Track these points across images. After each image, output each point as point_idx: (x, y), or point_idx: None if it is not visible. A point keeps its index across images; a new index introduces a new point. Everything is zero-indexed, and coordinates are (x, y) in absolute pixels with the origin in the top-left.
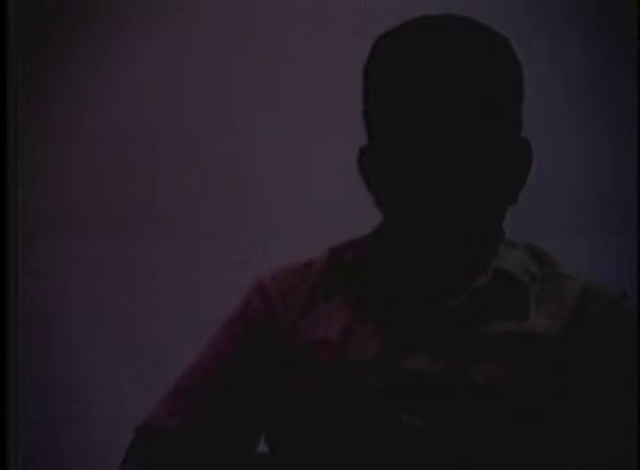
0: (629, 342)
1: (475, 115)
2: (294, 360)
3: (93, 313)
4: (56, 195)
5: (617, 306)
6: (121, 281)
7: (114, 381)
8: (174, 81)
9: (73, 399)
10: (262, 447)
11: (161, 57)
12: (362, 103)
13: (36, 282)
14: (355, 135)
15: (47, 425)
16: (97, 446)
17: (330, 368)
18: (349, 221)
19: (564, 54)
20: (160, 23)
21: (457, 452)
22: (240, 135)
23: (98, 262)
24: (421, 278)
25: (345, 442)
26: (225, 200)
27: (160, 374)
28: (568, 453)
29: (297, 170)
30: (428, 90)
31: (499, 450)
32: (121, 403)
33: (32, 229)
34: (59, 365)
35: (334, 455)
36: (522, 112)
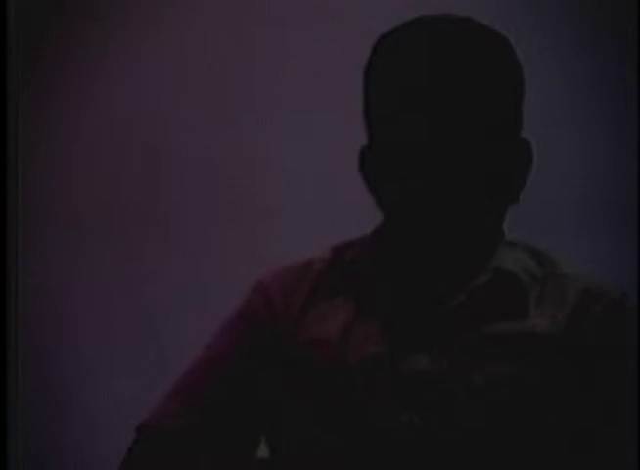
0: (629, 342)
1: (475, 114)
2: (294, 360)
3: (93, 313)
4: (56, 194)
5: (618, 306)
6: (122, 281)
7: (115, 380)
8: (174, 81)
9: (74, 399)
10: (263, 452)
11: (161, 56)
12: (363, 103)
13: (36, 282)
14: (356, 135)
15: (47, 425)
16: (97, 446)
17: (330, 368)
18: (350, 221)
19: (564, 54)
20: (161, 23)
21: (457, 452)
22: (240, 135)
23: (98, 262)
24: (421, 278)
25: (345, 441)
26: (225, 199)
27: (161, 374)
28: (568, 453)
29: (297, 170)
30: (428, 90)
31: (499, 450)
32: (122, 403)
33: (32, 229)
34: (59, 365)
35: (334, 455)
36: (522, 111)
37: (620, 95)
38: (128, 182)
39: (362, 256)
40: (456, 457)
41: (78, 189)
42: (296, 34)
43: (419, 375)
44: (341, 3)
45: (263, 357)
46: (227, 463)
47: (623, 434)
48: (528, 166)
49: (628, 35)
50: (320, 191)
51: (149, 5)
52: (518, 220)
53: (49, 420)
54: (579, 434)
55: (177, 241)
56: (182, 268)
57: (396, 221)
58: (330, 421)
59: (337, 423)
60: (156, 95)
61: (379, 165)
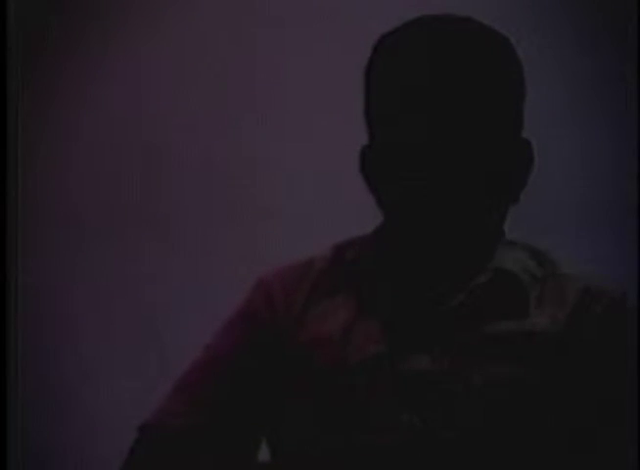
0: (629, 341)
1: (475, 114)
2: (295, 359)
3: (93, 313)
4: (56, 194)
5: (618, 306)
6: (122, 281)
7: (115, 380)
8: (174, 81)
9: (74, 399)
10: (264, 454)
11: (161, 56)
12: (363, 103)
13: (36, 282)
14: (356, 135)
15: (47, 425)
16: (97, 446)
17: (330, 368)
18: (350, 221)
19: (564, 54)
20: (161, 23)
21: (457, 452)
22: (240, 135)
23: (98, 262)
24: (421, 277)
25: (345, 441)
26: (225, 199)
27: (161, 374)
28: (568, 453)
29: (297, 170)
30: (429, 90)
31: (499, 450)
32: (122, 403)
33: (32, 229)
34: (59, 365)
35: (334, 455)
36: (523, 111)
37: (620, 95)
38: (128, 182)
39: (363, 255)
40: (456, 457)
41: (78, 189)
42: (296, 34)
43: (419, 375)
44: (341, 3)
45: (264, 356)
46: (229, 462)
47: (623, 434)
48: (529, 166)
49: (628, 35)
50: (320, 191)
51: (149, 5)
52: (518, 220)
53: (49, 420)
54: (579, 434)
55: (177, 241)
56: (182, 269)
57: (397, 221)
58: (330, 421)
59: (337, 423)
60: (156, 95)
61: (379, 165)
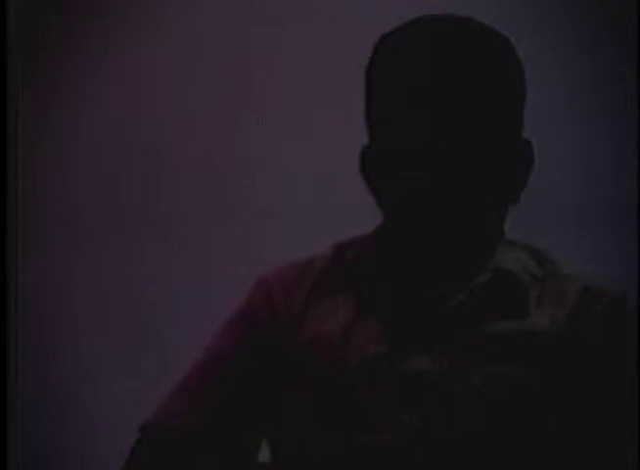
0: (629, 341)
1: (475, 114)
2: (295, 359)
3: (93, 313)
4: (56, 194)
5: (618, 306)
6: (122, 281)
7: (115, 380)
8: (174, 81)
9: (74, 399)
10: (264, 455)
11: (161, 56)
12: (363, 103)
13: (36, 282)
14: (356, 135)
15: (47, 425)
16: (97, 446)
17: (330, 367)
18: (350, 221)
19: (564, 54)
20: (161, 23)
21: (457, 452)
22: (240, 135)
23: (98, 262)
24: (421, 277)
25: (345, 441)
26: (225, 199)
27: (161, 374)
28: (568, 453)
29: (297, 170)
30: (429, 90)
31: (499, 450)
32: (122, 403)
33: (32, 229)
34: (59, 365)
35: (334, 455)
36: (523, 112)
37: (620, 95)
38: (128, 182)
39: (363, 255)
40: (456, 457)
41: (78, 189)
42: (296, 34)
43: (419, 375)
44: (341, 3)
45: (264, 356)
46: (229, 462)
47: (623, 434)
48: (529, 167)
49: (628, 35)
50: (320, 191)
51: (149, 5)
52: (518, 220)
53: (49, 420)
54: (579, 434)
55: (177, 241)
56: (182, 269)
57: (397, 221)
58: (330, 421)
59: (337, 423)
60: (156, 95)
61: (379, 166)
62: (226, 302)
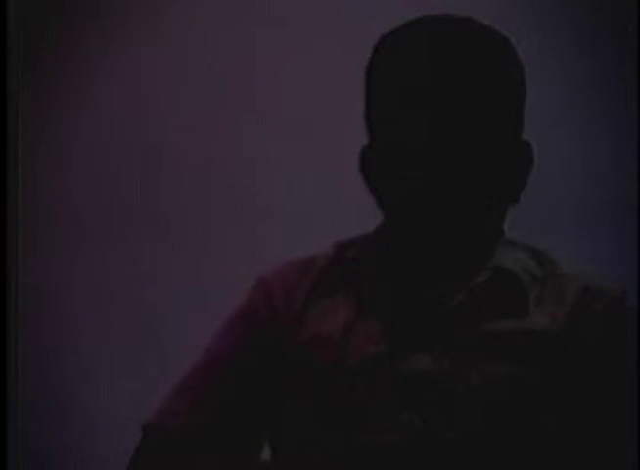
0: (629, 341)
1: (475, 115)
2: (295, 358)
3: (93, 313)
4: (56, 194)
5: (617, 305)
6: (122, 281)
7: (115, 380)
8: (174, 81)
9: (74, 399)
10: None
11: (161, 56)
12: (363, 103)
13: (36, 282)
14: (356, 135)
15: (47, 425)
16: (97, 446)
17: (330, 367)
18: (350, 221)
19: (564, 54)
20: (161, 23)
21: (457, 452)
22: (240, 135)
23: (98, 262)
24: (421, 277)
25: (345, 441)
26: (225, 199)
27: (161, 374)
28: (568, 453)
29: (297, 170)
30: (429, 90)
31: (499, 450)
32: (122, 403)
33: (32, 229)
34: (59, 365)
35: (334, 455)
36: (523, 112)
37: (620, 95)
38: (128, 182)
39: (363, 254)
40: (456, 457)
41: (78, 189)
42: (296, 34)
43: (419, 375)
44: (341, 3)
45: (265, 356)
46: (231, 462)
47: (623, 433)
48: (529, 167)
49: (628, 35)
50: (320, 191)
51: (149, 5)
52: (518, 220)
53: (49, 420)
54: (579, 433)
55: (177, 241)
56: (182, 269)
57: (397, 221)
58: (330, 421)
59: (337, 423)
60: (156, 95)
61: (379, 165)
62: (226, 302)
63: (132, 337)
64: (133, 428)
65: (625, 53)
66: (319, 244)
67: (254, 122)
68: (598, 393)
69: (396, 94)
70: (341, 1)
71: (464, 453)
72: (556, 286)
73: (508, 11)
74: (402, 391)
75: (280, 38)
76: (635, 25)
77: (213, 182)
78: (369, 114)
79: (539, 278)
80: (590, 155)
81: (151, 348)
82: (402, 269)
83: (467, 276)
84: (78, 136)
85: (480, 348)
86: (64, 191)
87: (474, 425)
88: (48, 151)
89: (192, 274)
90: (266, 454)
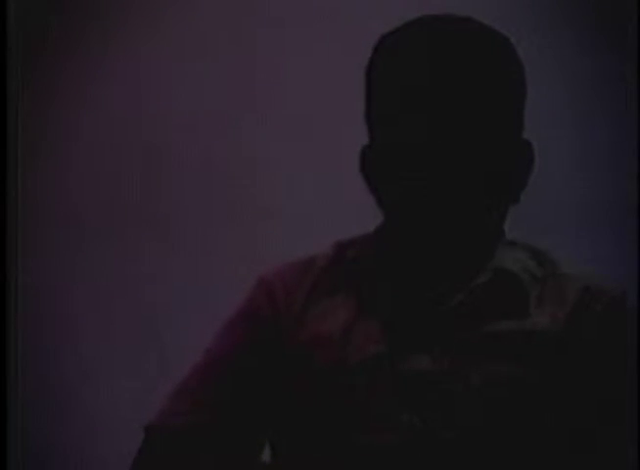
0: (629, 341)
1: (476, 115)
2: (296, 358)
3: (93, 313)
4: (56, 194)
5: (618, 305)
6: (122, 281)
7: (115, 381)
8: (174, 81)
9: (74, 399)
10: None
11: (161, 56)
12: (363, 103)
13: (36, 282)
14: (356, 135)
15: (47, 425)
16: (97, 446)
17: (330, 367)
18: (350, 221)
19: (564, 54)
20: (161, 23)
21: (457, 452)
22: (240, 135)
23: (98, 262)
24: (421, 277)
25: (345, 441)
26: (225, 199)
27: (161, 374)
28: (568, 453)
29: (297, 170)
30: (429, 90)
31: (499, 450)
32: (122, 403)
33: (32, 229)
34: (59, 365)
35: (334, 455)
36: (523, 112)
37: (620, 95)
38: (128, 182)
39: (364, 254)
40: (456, 457)
41: (78, 189)
42: (296, 34)
43: (419, 375)
44: (341, 3)
45: (265, 355)
46: (232, 462)
47: (623, 434)
48: (529, 167)
49: (628, 35)
50: (320, 191)
51: (149, 5)
52: (518, 220)
53: (49, 420)
54: (579, 433)
55: (177, 241)
56: (182, 269)
57: (397, 221)
58: (330, 421)
59: (337, 423)
60: (156, 95)
61: (379, 165)
62: (226, 302)
63: (132, 337)
64: (133, 428)
65: (625, 53)
66: (319, 244)
67: (254, 122)
68: (598, 393)
69: (396, 94)
70: (341, 1)
71: (464, 454)
72: (556, 286)
73: (508, 11)
74: (402, 391)
75: (280, 38)
76: (635, 25)
77: (213, 182)
78: (369, 114)
79: (539, 278)
80: (590, 155)
81: (151, 348)
82: (402, 269)
83: (467, 276)
84: (78, 136)
85: (481, 348)
86: (64, 191)
87: (474, 425)
88: (48, 151)
89: (192, 274)
90: (266, 455)
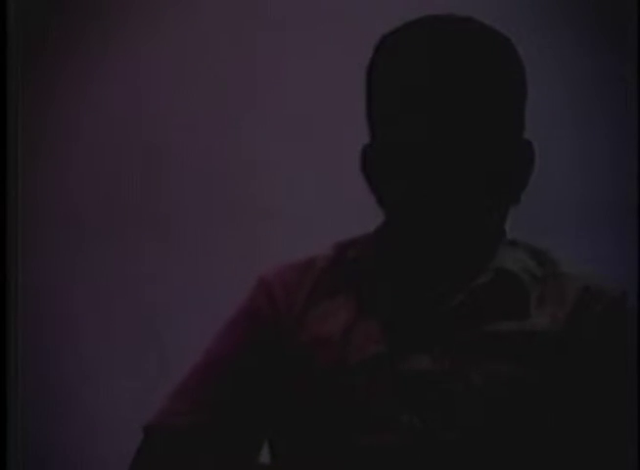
0: (629, 341)
1: (476, 115)
2: (296, 359)
3: (93, 313)
4: (56, 194)
5: (618, 305)
6: (122, 281)
7: (115, 381)
8: (174, 81)
9: (74, 399)
10: (264, 456)
11: (161, 56)
12: (364, 103)
13: (36, 282)
14: (357, 135)
15: (47, 425)
16: (97, 446)
17: (331, 367)
18: (351, 221)
19: (564, 54)
20: (161, 23)
21: (457, 452)
22: (240, 135)
23: (98, 262)
24: (422, 277)
25: (345, 441)
26: (225, 199)
27: (161, 374)
28: (568, 453)
29: (297, 170)
30: (430, 90)
31: (499, 450)
32: (122, 403)
33: (32, 229)
34: (59, 365)
35: (334, 455)
36: (524, 112)
37: (620, 95)
38: (128, 182)
39: (364, 254)
40: (457, 458)
41: (78, 189)
42: (296, 34)
43: (420, 375)
44: (342, 4)
45: (266, 355)
46: (232, 461)
47: (623, 433)
48: (530, 167)
49: (628, 35)
50: (320, 191)
51: (149, 5)
52: (518, 220)
53: (49, 420)
54: (579, 433)
55: (177, 241)
56: (182, 269)
57: (398, 221)
58: (330, 421)
59: (337, 423)
60: (156, 95)
61: (380, 165)
62: (226, 302)
63: (132, 337)
64: (133, 428)
65: (625, 53)
66: (319, 244)
67: (254, 122)
68: (598, 393)
69: (397, 94)
70: (342, 1)
71: (464, 454)
72: (556, 286)
73: (508, 11)
74: (402, 391)
75: (280, 38)
76: (635, 25)
77: (213, 182)
78: (370, 113)
79: (540, 278)
80: (590, 155)
81: (151, 348)
82: (403, 269)
83: (468, 277)
84: (78, 136)
85: (481, 348)
86: (64, 191)
87: (474, 425)
88: (48, 151)
89: (192, 274)
90: (265, 455)
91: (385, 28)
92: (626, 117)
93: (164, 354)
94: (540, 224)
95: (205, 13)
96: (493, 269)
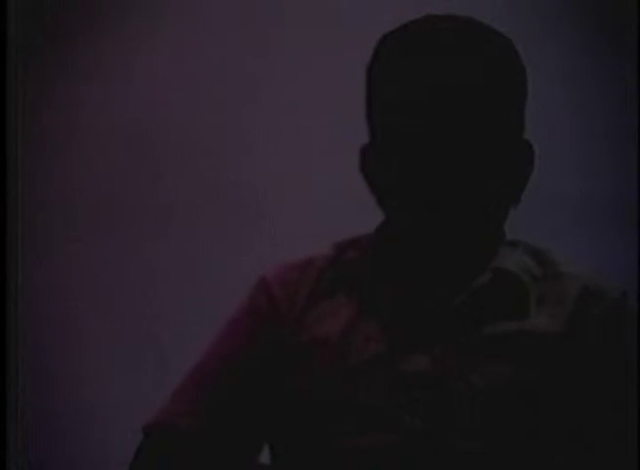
0: (629, 341)
1: (477, 115)
2: (297, 359)
3: (93, 313)
4: (56, 194)
5: (618, 306)
6: (121, 281)
7: (115, 381)
8: (174, 81)
9: (74, 399)
10: (264, 457)
11: (161, 56)
12: (364, 102)
13: (36, 282)
14: (356, 135)
15: (47, 425)
16: (97, 447)
17: (331, 368)
18: (351, 221)
19: (564, 54)
20: (160, 23)
21: (457, 453)
22: (240, 134)
23: (98, 262)
24: (422, 278)
25: (345, 442)
26: (226, 198)
27: (160, 374)
28: (568, 453)
29: (298, 170)
30: (429, 90)
31: (499, 451)
32: (122, 403)
33: (32, 229)
34: (59, 365)
35: (333, 455)
36: (524, 112)
37: (620, 95)
38: (128, 182)
39: (364, 255)
40: (457, 458)
41: (78, 189)
42: (297, 34)
43: (420, 375)
44: (343, 3)
45: (266, 355)
46: (231, 461)
47: (623, 433)
48: (530, 168)
49: (628, 35)
50: (320, 191)
51: (149, 5)
52: (518, 220)
53: (49, 420)
54: (579, 433)
55: (177, 241)
56: (182, 268)
57: (397, 221)
58: (330, 421)
59: (337, 423)
60: (156, 95)
61: (380, 165)
62: (225, 302)
63: (132, 337)
64: (133, 428)
65: (625, 53)
66: (319, 244)
67: (255, 122)
68: (598, 393)
69: (396, 94)
70: (342, 1)
71: (464, 454)
72: (556, 286)
73: (508, 11)
74: (402, 391)
75: (280, 38)
76: (635, 25)
77: (214, 182)
78: (370, 113)
79: (540, 278)
80: (590, 154)
81: (150, 348)
82: (402, 270)
83: (468, 277)
84: (78, 136)
85: (481, 348)
86: (64, 191)
87: (474, 426)
88: (48, 151)
89: (192, 274)
90: (265, 456)
91: (385, 28)
92: (626, 117)
93: (164, 355)
94: (540, 224)
95: (204, 12)
96: (493, 269)
